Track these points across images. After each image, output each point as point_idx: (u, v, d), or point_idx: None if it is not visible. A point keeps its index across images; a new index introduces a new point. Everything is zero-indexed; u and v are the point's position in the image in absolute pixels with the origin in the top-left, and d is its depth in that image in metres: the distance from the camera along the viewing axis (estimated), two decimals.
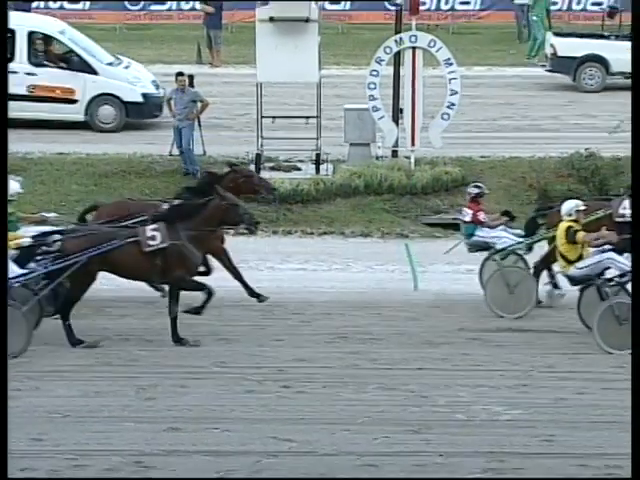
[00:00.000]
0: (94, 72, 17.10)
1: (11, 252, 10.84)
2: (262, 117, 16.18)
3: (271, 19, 15.61)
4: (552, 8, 24.28)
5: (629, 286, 10.87)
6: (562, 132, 18.00)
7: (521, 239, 12.15)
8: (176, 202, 11.26)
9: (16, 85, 17.32)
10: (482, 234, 12.17)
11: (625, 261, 11.03)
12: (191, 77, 16.88)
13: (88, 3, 25.63)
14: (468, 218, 12.25)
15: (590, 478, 8.60)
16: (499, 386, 10.27)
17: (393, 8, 18.81)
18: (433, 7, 26.07)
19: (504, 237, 12.13)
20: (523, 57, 23.41)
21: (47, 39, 17.96)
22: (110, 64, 18.00)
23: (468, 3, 26.34)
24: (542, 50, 23.04)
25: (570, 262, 11.23)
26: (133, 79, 17.93)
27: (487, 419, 9.60)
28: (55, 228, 11.49)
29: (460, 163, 16.39)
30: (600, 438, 9.26)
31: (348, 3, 26.43)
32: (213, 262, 11.79)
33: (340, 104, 17.15)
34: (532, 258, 12.39)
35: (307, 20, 15.56)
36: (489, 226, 12.20)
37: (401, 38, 16.01)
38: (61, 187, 15.90)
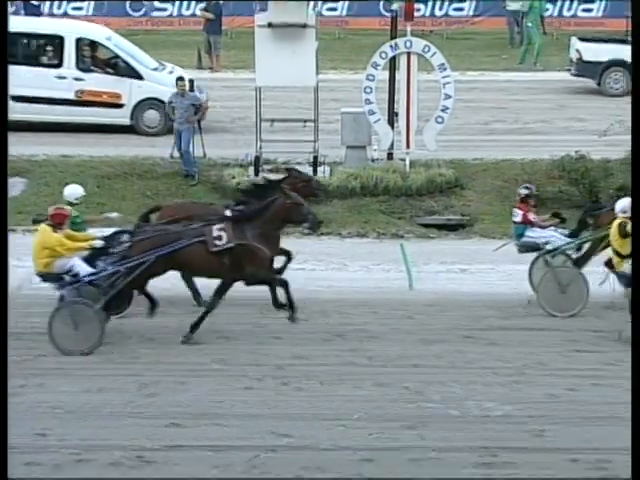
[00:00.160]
0: (140, 77, 17.25)
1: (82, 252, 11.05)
2: (261, 120, 16.31)
3: (269, 25, 15.72)
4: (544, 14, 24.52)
5: None
6: (553, 135, 18.14)
7: (571, 239, 12.12)
8: (237, 206, 11.42)
9: (64, 90, 17.72)
10: (532, 234, 12.16)
11: None
12: (191, 81, 17.08)
13: (91, 8, 25.81)
14: (518, 219, 12.24)
15: (591, 478, 8.66)
16: (492, 383, 10.36)
17: (389, 14, 18.97)
18: (428, 13, 26.27)
19: (555, 237, 12.14)
20: (515, 62, 23.61)
21: (94, 45, 18.16)
22: (155, 69, 18.17)
23: (462, 9, 26.53)
24: (541, 55, 23.27)
25: (623, 257, 11.21)
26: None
27: (480, 415, 9.69)
28: (122, 228, 11.65)
29: (454, 165, 16.50)
30: (591, 433, 9.36)
31: (345, 9, 26.64)
32: None
33: (337, 108, 17.29)
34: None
35: (305, 26, 15.66)
36: (539, 226, 12.19)
37: (396, 43, 16.13)
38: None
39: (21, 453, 8.91)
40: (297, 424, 9.49)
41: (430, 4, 26.44)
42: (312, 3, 16.67)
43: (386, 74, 16.57)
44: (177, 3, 26.44)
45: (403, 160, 16.25)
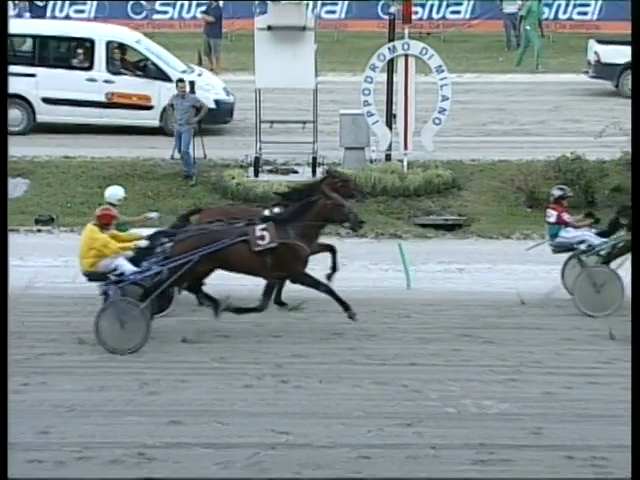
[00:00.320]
0: (168, 79, 17.29)
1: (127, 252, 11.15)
2: (261, 122, 16.38)
3: (269, 28, 15.78)
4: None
5: None
6: (549, 136, 18.20)
7: (605, 239, 12.13)
8: (276, 208, 11.53)
9: (95, 93, 17.86)
10: (567, 235, 12.19)
11: None
12: (192, 83, 17.20)
13: (93, 12, 25.90)
14: (552, 219, 12.26)
15: (593, 478, 8.69)
16: (489, 381, 10.40)
17: (387, 17, 19.05)
18: (425, 16, 26.34)
19: (589, 237, 12.16)
20: (512, 64, 23.69)
21: (123, 48, 18.28)
22: (183, 72, 18.23)
23: (459, 12, 26.62)
24: (541, 58, 23.37)
25: None
26: (206, 86, 18.20)
27: (477, 412, 9.73)
28: (163, 228, 11.73)
29: (451, 166, 16.56)
30: (586, 431, 9.41)
31: (343, 12, 26.75)
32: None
33: (336, 109, 17.34)
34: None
35: (304, 28, 15.72)
36: (574, 227, 12.22)
37: (394, 46, 16.18)
38: (67, 189, 16.11)
39: (23, 450, 8.98)
40: (296, 422, 9.54)
41: (427, 7, 26.53)
42: (311, 6, 16.78)
43: (384, 76, 16.61)
44: (178, 6, 26.55)
45: (401, 161, 16.32)
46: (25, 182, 16.37)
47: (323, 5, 25.91)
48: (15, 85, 17.74)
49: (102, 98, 17.94)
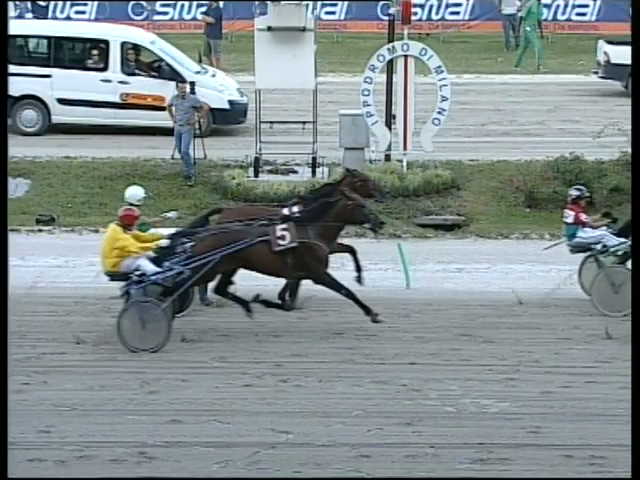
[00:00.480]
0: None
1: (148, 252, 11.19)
2: (260, 122, 16.43)
3: (269, 28, 15.82)
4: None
5: None
6: (548, 137, 18.23)
7: (622, 239, 12.10)
8: (295, 207, 11.52)
9: (110, 93, 17.94)
10: (585, 235, 12.19)
11: None
12: (192, 84, 17.25)
13: (94, 13, 25.94)
14: (570, 220, 12.25)
15: (593, 478, 8.66)
16: (487, 380, 10.42)
17: (386, 18, 19.09)
18: (424, 17, 26.37)
19: (607, 237, 12.16)
20: (511, 65, 23.72)
21: (138, 49, 18.32)
22: (197, 72, 18.29)
23: (458, 13, 26.66)
24: (542, 58, 23.41)
25: None
26: (220, 87, 18.27)
27: (476, 412, 9.75)
28: (183, 228, 11.75)
29: (450, 166, 16.59)
30: (585, 430, 9.42)
31: (343, 13, 26.80)
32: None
33: (335, 110, 17.36)
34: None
35: (303, 29, 15.75)
36: (591, 227, 12.22)
37: (394, 47, 16.20)
38: (68, 189, 16.14)
39: (24, 449, 9.01)
40: (296, 421, 9.56)
41: (427, 8, 26.58)
42: (311, 7, 16.81)
43: (384, 77, 16.63)
44: (178, 7, 26.59)
45: (400, 161, 16.35)
46: (26, 182, 16.41)
47: (323, 6, 25.94)
48: (30, 86, 17.89)
49: (117, 99, 18.00)
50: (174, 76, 17.84)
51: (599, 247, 12.27)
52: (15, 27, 16.36)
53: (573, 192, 12.57)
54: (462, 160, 17.02)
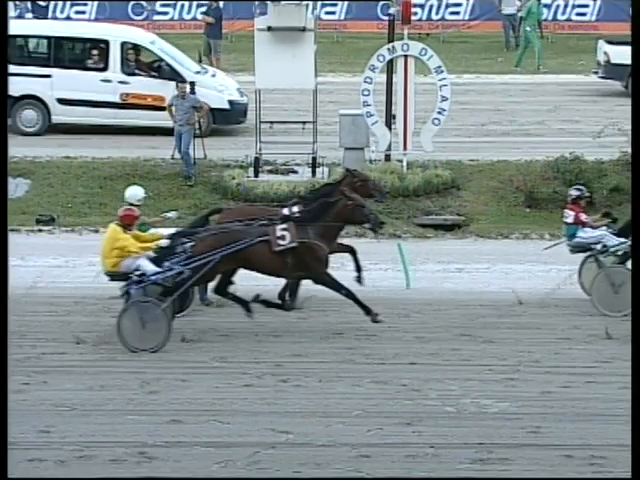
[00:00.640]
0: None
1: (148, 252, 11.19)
2: (261, 122, 16.44)
3: (269, 28, 15.83)
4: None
5: None
6: (548, 137, 18.24)
7: (622, 239, 12.09)
8: (295, 207, 11.53)
9: (110, 93, 17.95)
10: (585, 235, 12.20)
11: None
12: (192, 84, 17.26)
13: (94, 13, 25.96)
14: (570, 220, 12.26)
15: (593, 478, 8.67)
16: (487, 380, 10.44)
17: (386, 18, 19.10)
18: (424, 17, 26.39)
19: (607, 237, 12.17)
20: (511, 65, 23.74)
21: (138, 49, 18.34)
22: (197, 72, 18.31)
23: (458, 13, 26.69)
24: (542, 59, 23.42)
25: None
26: (220, 87, 18.28)
27: (476, 412, 9.76)
28: (182, 228, 11.76)
29: (450, 166, 16.61)
30: (585, 430, 9.44)
31: (343, 13, 26.82)
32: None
33: (335, 110, 17.37)
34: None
35: (303, 29, 15.77)
36: (591, 227, 12.23)
37: (394, 47, 16.21)
38: (68, 189, 16.16)
39: (24, 450, 9.02)
40: (296, 421, 9.58)
41: (427, 8, 26.60)
42: (311, 7, 16.82)
43: (384, 77, 16.64)
44: (178, 7, 26.60)
45: (400, 161, 16.36)
46: (26, 182, 16.43)
47: (323, 6, 25.96)
48: (30, 86, 17.90)
49: (117, 99, 18.02)
50: (174, 76, 17.86)
51: (599, 247, 12.29)
52: (15, 27, 16.37)
53: (573, 192, 12.58)
54: (462, 160, 17.03)
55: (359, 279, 11.93)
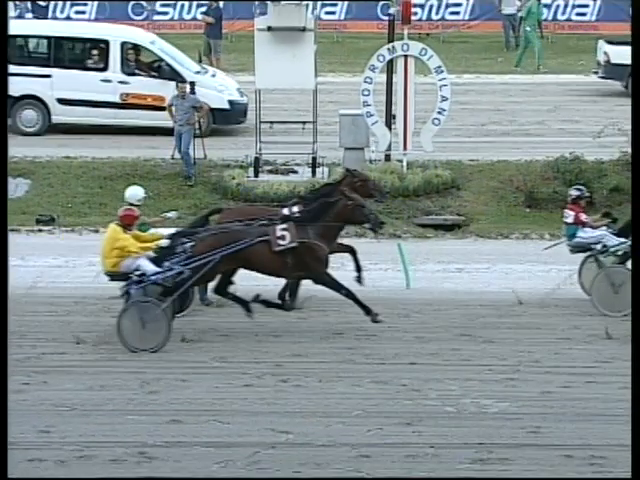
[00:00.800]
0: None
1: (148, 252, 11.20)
2: (261, 122, 16.46)
3: (269, 28, 15.85)
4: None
5: None
6: (548, 137, 18.25)
7: (622, 239, 12.08)
8: (295, 207, 11.53)
9: (110, 93, 17.97)
10: (585, 235, 12.20)
11: None
12: (192, 84, 17.27)
13: (94, 13, 25.98)
14: (570, 220, 12.27)
15: (593, 478, 8.70)
16: (487, 380, 10.44)
17: (386, 18, 19.11)
18: (424, 17, 26.41)
19: (607, 237, 12.17)
20: (511, 65, 23.76)
21: (138, 49, 18.35)
22: (197, 72, 18.31)
23: (458, 13, 26.71)
24: (542, 59, 23.43)
25: None
26: (220, 87, 18.30)
27: (476, 412, 9.77)
28: (182, 228, 11.76)
29: (450, 166, 16.62)
30: (585, 430, 9.44)
31: (343, 13, 26.83)
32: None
33: (335, 110, 17.39)
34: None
35: (303, 29, 15.78)
36: (591, 227, 12.23)
37: (394, 47, 16.22)
38: (68, 189, 16.17)
39: (24, 449, 9.03)
40: (296, 421, 9.59)
41: (427, 8, 26.61)
42: (311, 7, 16.82)
43: (384, 77, 16.66)
44: (178, 7, 26.62)
45: (400, 161, 16.37)
46: (26, 182, 16.45)
47: (323, 6, 25.98)
48: (30, 86, 17.91)
49: (117, 99, 18.04)
50: (174, 76, 17.87)
51: (599, 247, 12.31)
52: (15, 27, 16.39)
53: (573, 192, 12.60)
54: (462, 160, 17.05)
55: (359, 279, 11.94)
